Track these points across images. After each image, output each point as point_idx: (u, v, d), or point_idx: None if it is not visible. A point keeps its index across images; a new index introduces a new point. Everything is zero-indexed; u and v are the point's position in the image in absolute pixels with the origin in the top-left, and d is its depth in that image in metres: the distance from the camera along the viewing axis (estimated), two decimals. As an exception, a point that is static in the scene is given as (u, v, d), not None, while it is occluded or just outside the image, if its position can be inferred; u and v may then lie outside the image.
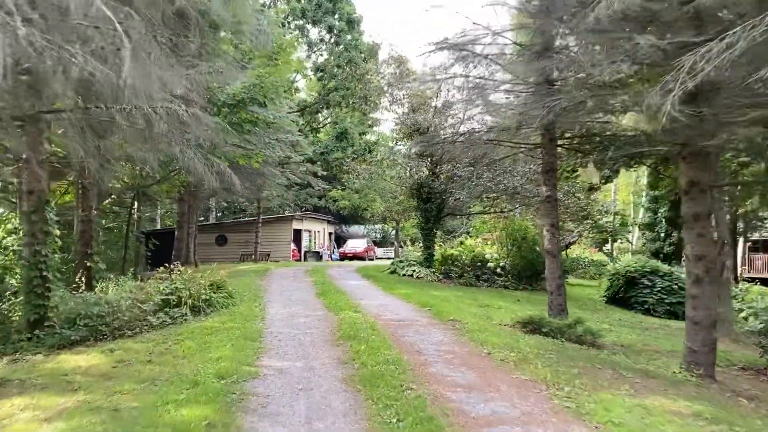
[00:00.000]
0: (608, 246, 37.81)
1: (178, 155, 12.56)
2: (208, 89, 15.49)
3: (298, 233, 44.49)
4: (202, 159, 15.32)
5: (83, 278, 12.82)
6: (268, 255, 40.57)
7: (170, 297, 11.81)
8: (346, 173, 30.22)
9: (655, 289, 20.92)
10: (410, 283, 20.04)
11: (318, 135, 37.34)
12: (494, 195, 21.12)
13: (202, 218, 54.76)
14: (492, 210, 23.64)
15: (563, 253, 26.59)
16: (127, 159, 15.47)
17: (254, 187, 34.36)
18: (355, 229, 59.11)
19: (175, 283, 12.37)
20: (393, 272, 22.65)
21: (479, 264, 23.40)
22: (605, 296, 22.33)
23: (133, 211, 27.24)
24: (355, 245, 47.72)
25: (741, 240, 29.50)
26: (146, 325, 10.83)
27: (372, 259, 48.59)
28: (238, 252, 40.94)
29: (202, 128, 10.68)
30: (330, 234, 54.38)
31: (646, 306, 20.75)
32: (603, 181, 22.94)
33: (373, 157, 28.33)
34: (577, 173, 20.96)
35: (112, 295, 12.13)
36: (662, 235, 27.54)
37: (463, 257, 23.64)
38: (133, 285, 13.21)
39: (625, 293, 21.60)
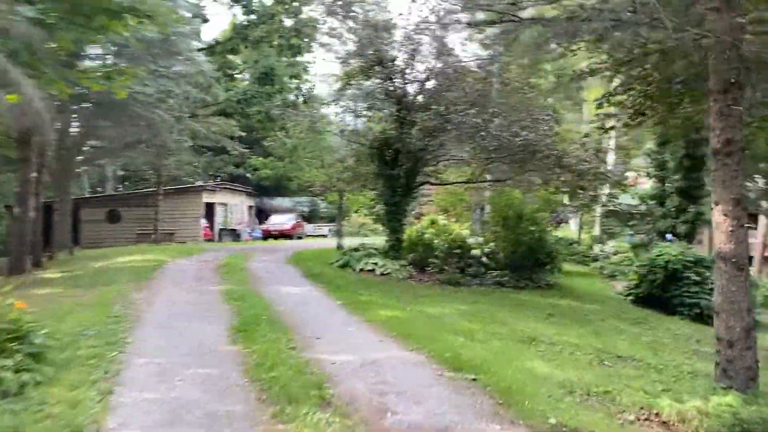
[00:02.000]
0: (575, 219, 32.15)
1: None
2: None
3: (210, 207, 36.92)
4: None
5: None
6: (172, 234, 32.78)
7: None
8: (279, 120, 22.80)
9: (707, 287, 15.12)
10: (378, 286, 13.31)
11: (233, 83, 29.57)
12: (508, 155, 14.55)
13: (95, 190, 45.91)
14: (481, 177, 17.10)
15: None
16: None
17: (153, 149, 26.53)
18: (279, 201, 51.45)
19: None
20: (346, 265, 15.81)
21: (458, 251, 16.96)
22: (632, 294, 16.44)
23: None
24: (280, 221, 40.25)
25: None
26: None
27: (301, 237, 41.42)
28: (135, 231, 33.00)
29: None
30: (250, 208, 46.67)
31: (695, 310, 14.99)
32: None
33: (310, 107, 21.03)
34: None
35: None
36: (672, 209, 22.08)
37: (437, 242, 17.12)
38: None
39: (663, 291, 15.78)
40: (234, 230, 39.26)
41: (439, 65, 14.81)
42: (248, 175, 45.90)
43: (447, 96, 14.20)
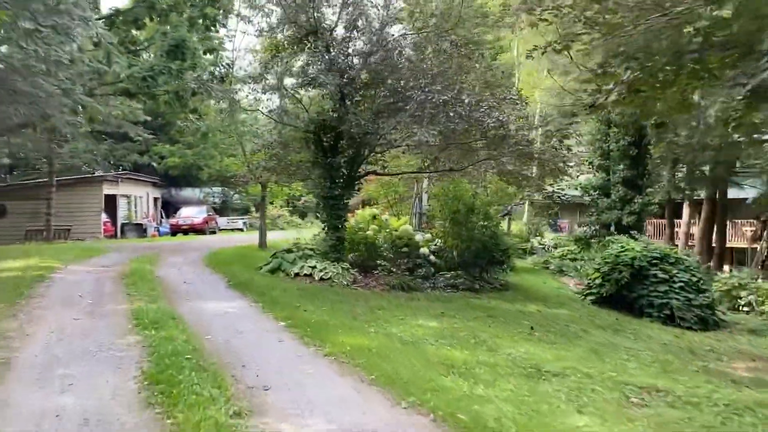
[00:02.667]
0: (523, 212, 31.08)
1: None
2: None
3: (112, 200, 33.35)
4: None
5: None
6: (68, 231, 29.07)
7: None
8: (191, 101, 19.88)
9: (676, 285, 14.04)
10: (323, 295, 11.12)
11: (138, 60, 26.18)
12: (480, 139, 12.65)
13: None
14: (435, 166, 15.15)
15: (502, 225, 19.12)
16: None
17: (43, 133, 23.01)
18: (188, 193, 47.84)
19: None
20: (277, 269, 13.51)
21: (405, 249, 15.10)
22: (593, 294, 15.12)
23: None
24: (190, 215, 37.02)
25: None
26: None
27: (214, 232, 38.36)
28: (24, 227, 29.03)
29: None
30: (156, 200, 42.95)
31: (665, 311, 13.82)
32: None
33: (228, 86, 18.36)
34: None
35: None
36: (617, 201, 21.10)
37: (380, 240, 15.16)
38: None
39: (629, 290, 14.55)
40: (139, 225, 35.71)
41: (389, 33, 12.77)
42: (154, 164, 42.20)
43: (401, 70, 12.16)
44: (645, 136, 20.28)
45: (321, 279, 12.78)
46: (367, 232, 15.00)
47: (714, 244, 22.90)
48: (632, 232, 18.72)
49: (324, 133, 13.48)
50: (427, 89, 11.35)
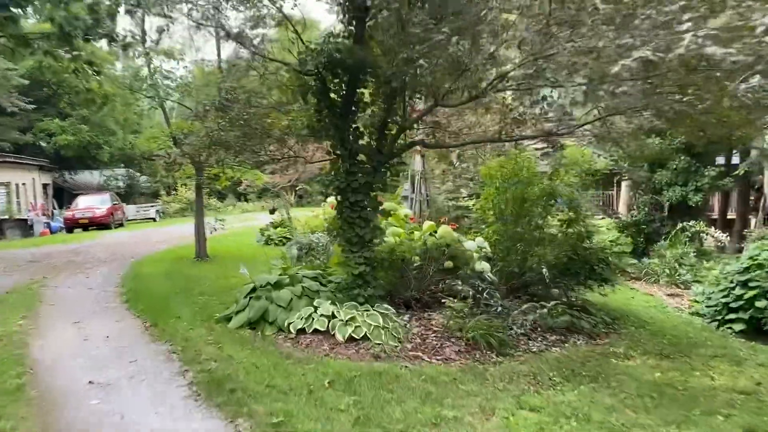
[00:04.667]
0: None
1: None
2: None
3: (-19, 191, 25.87)
4: None
5: None
6: None
7: None
8: (87, 36, 12.94)
9: None
10: (384, 399, 5.49)
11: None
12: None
13: None
14: (504, 134, 9.21)
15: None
16: None
17: None
18: (86, 177, 39.89)
19: None
20: (260, 321, 7.56)
21: (449, 264, 9.57)
22: (736, 322, 10.06)
23: None
24: (91, 205, 29.54)
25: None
26: None
27: (122, 225, 31.25)
28: None
29: None
30: (46, 187, 35.03)
31: None
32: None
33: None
34: None
35: None
36: (679, 174, 15.85)
37: (409, 253, 9.40)
38: None
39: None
40: (24, 220, 28.14)
41: None
42: (41, 143, 34.31)
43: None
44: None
45: (350, 340, 7.02)
46: (392, 240, 9.29)
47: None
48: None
49: (332, 76, 7.58)
50: None
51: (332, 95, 7.83)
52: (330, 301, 7.66)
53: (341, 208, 7.86)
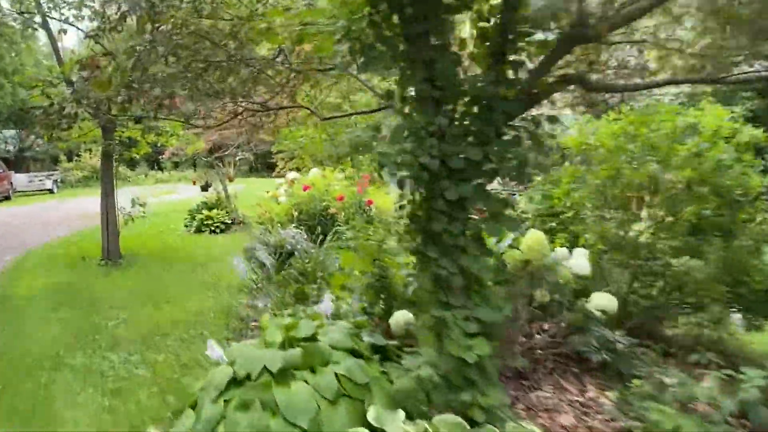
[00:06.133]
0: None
1: None
2: None
3: None
4: None
5: None
6: None
7: None
8: None
9: None
10: None
11: None
12: None
13: None
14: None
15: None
16: None
17: None
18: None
19: None
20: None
21: (547, 298, 5.69)
22: None
23: None
24: (-33, 174, 23.74)
25: None
26: None
27: (8, 198, 25.58)
28: None
29: None
30: None
31: None
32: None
33: None
34: None
35: None
36: None
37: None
38: None
39: None
40: None
41: None
42: None
43: None
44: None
45: None
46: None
47: None
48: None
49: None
50: None
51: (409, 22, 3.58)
52: (394, 407, 3.59)
53: (426, 211, 3.67)
